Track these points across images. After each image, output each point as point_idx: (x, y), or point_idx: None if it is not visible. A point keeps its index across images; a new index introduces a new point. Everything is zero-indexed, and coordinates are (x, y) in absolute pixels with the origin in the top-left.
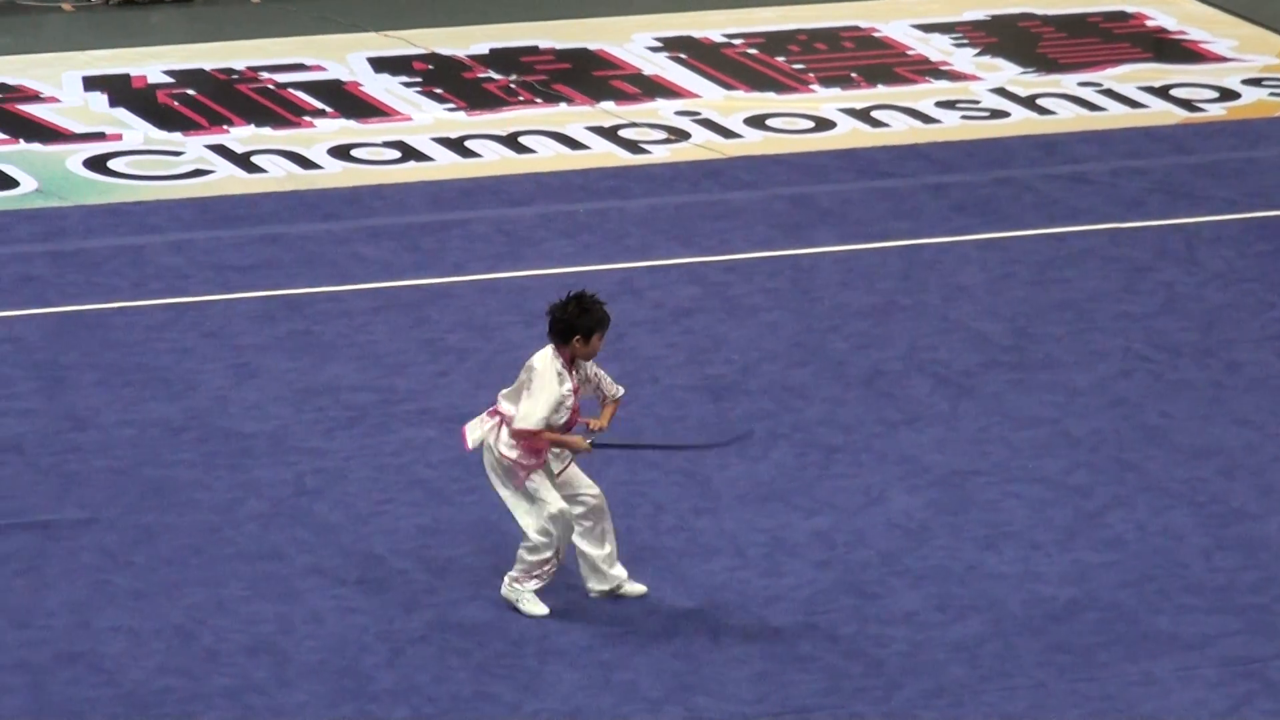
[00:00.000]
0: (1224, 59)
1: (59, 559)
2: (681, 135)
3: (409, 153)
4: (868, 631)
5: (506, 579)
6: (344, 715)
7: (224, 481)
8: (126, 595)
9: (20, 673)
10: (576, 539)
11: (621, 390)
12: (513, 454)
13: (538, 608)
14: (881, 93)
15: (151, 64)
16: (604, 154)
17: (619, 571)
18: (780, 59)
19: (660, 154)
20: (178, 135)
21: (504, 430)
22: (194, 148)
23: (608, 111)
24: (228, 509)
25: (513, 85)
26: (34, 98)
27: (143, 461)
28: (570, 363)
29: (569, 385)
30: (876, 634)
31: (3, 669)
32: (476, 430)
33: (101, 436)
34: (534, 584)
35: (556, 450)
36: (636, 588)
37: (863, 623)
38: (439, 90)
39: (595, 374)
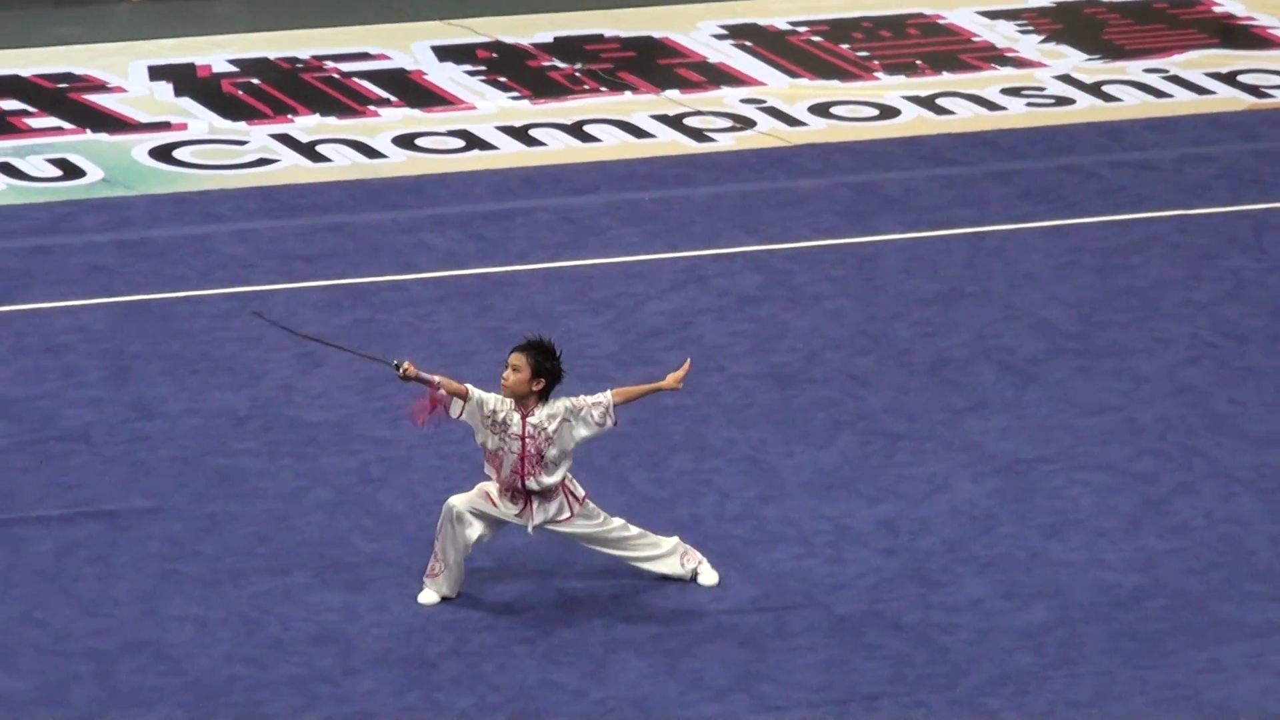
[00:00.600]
0: None
1: (126, 548)
2: (746, 123)
3: (473, 141)
4: (933, 619)
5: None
6: (410, 704)
7: (289, 470)
8: (193, 584)
9: (88, 661)
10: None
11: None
12: None
13: (425, 596)
14: (946, 80)
15: (216, 53)
16: (669, 142)
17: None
18: (845, 46)
19: (725, 142)
20: (242, 124)
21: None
22: (259, 137)
23: (673, 100)
24: (293, 498)
25: (577, 74)
26: (100, 87)
27: (209, 451)
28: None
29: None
30: (942, 622)
31: (71, 657)
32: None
33: (168, 426)
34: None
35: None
36: (709, 576)
37: (928, 610)
38: (503, 79)
39: (563, 411)
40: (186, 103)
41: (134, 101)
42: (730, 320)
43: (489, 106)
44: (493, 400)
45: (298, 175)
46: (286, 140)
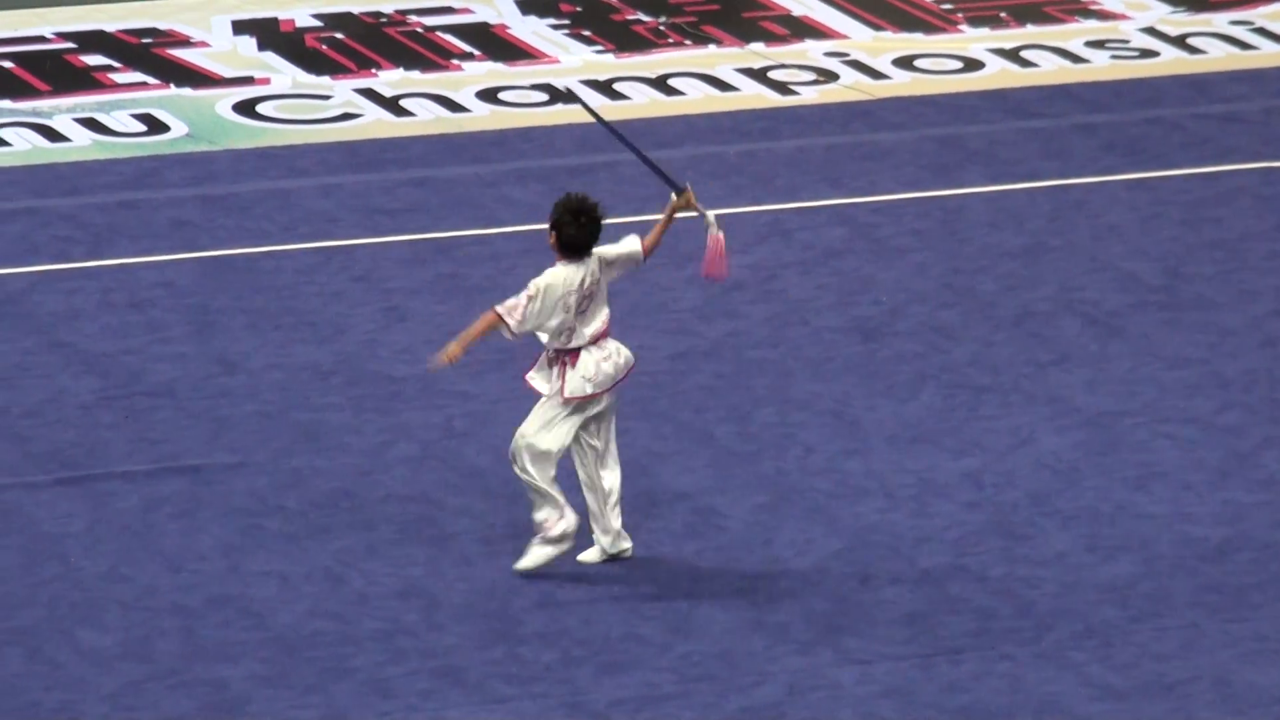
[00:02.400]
0: None
1: (211, 503)
2: (830, 76)
3: (557, 95)
4: (1017, 573)
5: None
6: (494, 658)
7: (373, 425)
8: (277, 539)
9: (173, 616)
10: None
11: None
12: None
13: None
14: (1030, 32)
15: (300, 7)
16: (753, 95)
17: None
18: None
19: (809, 95)
20: (326, 79)
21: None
22: (342, 91)
23: (757, 53)
24: (377, 453)
25: (662, 27)
26: (184, 42)
27: (292, 405)
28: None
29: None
30: (1026, 575)
31: (156, 612)
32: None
33: (251, 380)
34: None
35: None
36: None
37: (1012, 564)
38: (587, 32)
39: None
40: (270, 57)
41: (218, 56)
42: (814, 274)
43: (573, 60)
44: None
45: (381, 130)
46: (370, 95)
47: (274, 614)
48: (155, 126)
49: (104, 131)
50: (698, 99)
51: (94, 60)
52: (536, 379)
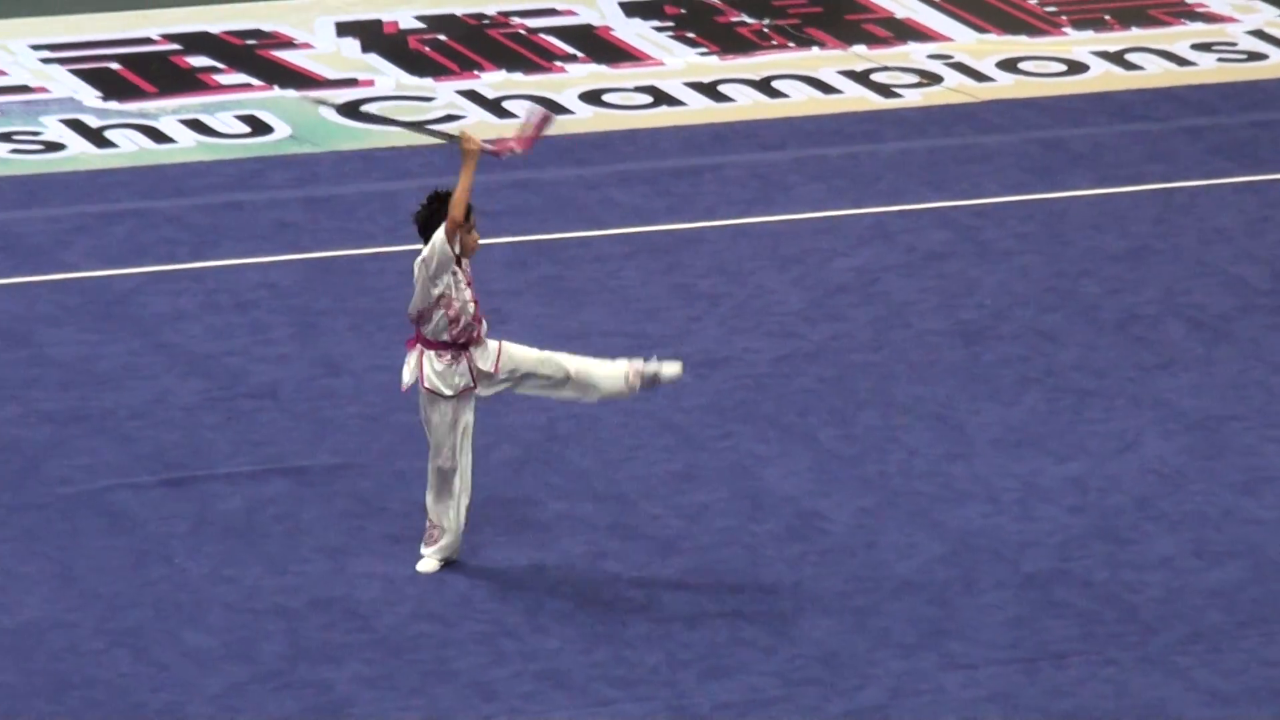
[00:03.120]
0: None
1: (314, 505)
2: (933, 79)
3: (660, 97)
4: (1122, 577)
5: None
6: (598, 660)
7: (477, 427)
8: (380, 541)
9: (276, 618)
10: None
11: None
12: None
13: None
14: (1135, 35)
15: (403, 9)
16: (856, 98)
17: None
18: (1032, 2)
19: (912, 98)
20: (429, 81)
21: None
22: (445, 93)
23: (860, 55)
24: (481, 454)
25: (765, 29)
26: (288, 44)
27: (395, 408)
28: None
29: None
30: (1131, 580)
31: (259, 614)
32: (407, 371)
33: (355, 382)
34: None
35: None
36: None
37: (1117, 568)
38: (691, 34)
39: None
40: (373, 59)
41: (321, 58)
42: (917, 276)
43: (676, 62)
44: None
45: (484, 131)
46: (473, 96)
47: (378, 616)
48: (259, 128)
49: (209, 133)
50: (801, 101)
51: (199, 62)
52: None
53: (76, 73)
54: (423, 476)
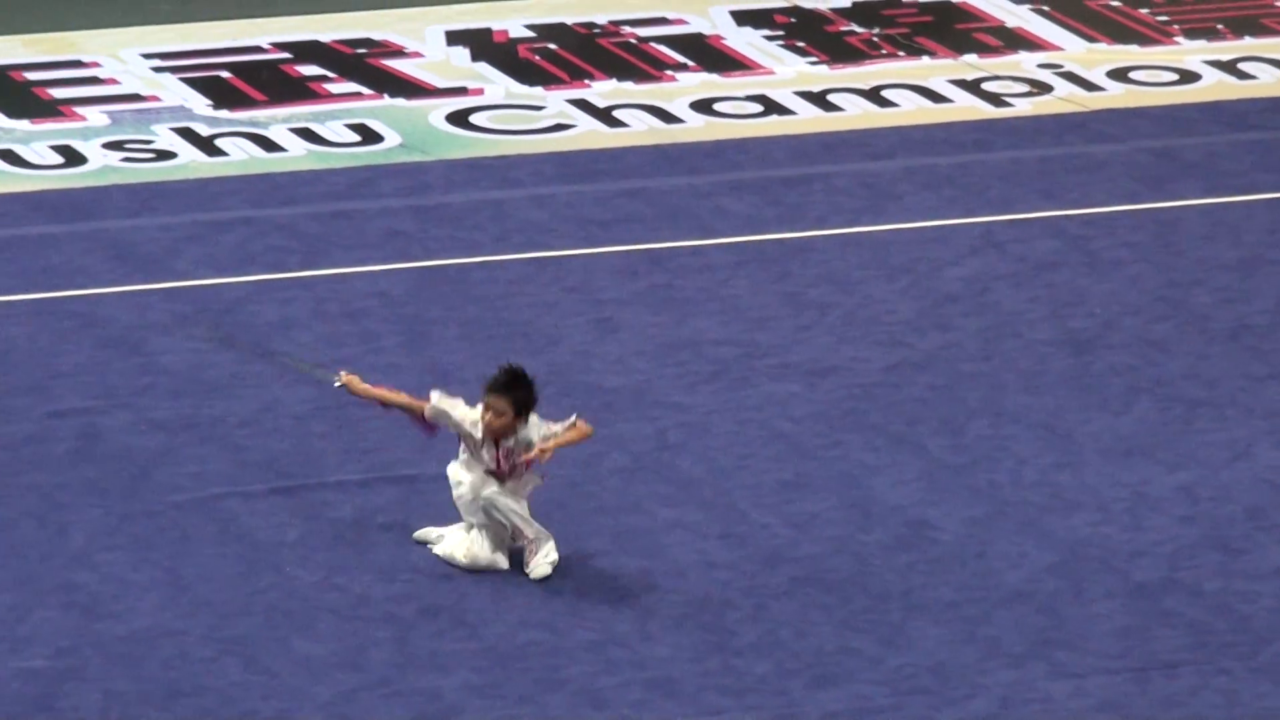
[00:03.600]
0: None
1: (423, 513)
2: (1044, 88)
3: (771, 106)
4: (1234, 587)
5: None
6: (707, 669)
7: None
8: None
9: (385, 626)
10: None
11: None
12: None
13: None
14: (1248, 44)
15: (513, 18)
16: (966, 107)
17: None
18: (1143, 11)
19: (1022, 107)
20: (539, 89)
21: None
22: (555, 102)
23: (970, 64)
24: (590, 463)
25: (875, 39)
26: (398, 52)
27: None
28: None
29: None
30: (1243, 590)
31: (369, 622)
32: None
33: (464, 391)
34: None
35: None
36: None
37: (1228, 578)
38: (801, 43)
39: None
40: (483, 68)
41: (431, 66)
42: (1027, 286)
43: (787, 71)
44: (459, 416)
45: (595, 140)
46: (583, 105)
47: (487, 624)
48: (369, 136)
49: (319, 141)
50: (911, 110)
51: (309, 70)
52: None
53: (187, 81)
54: None
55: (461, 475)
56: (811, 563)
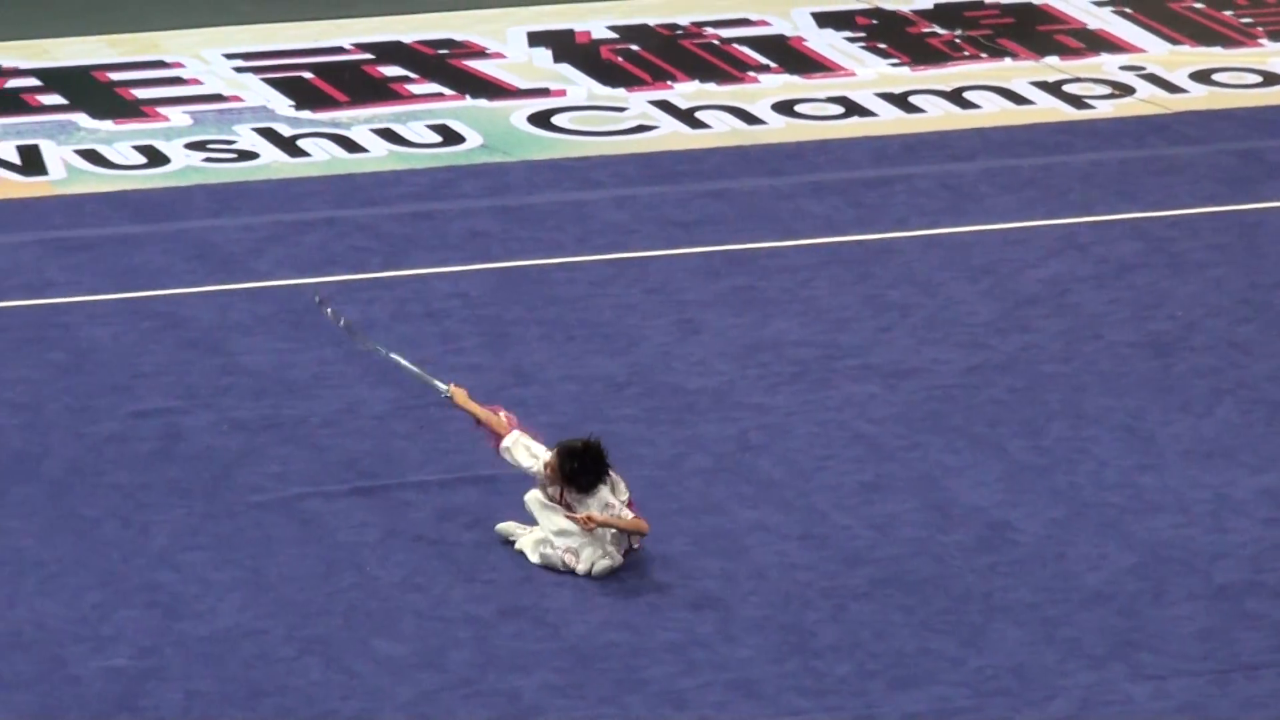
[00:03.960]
0: None
1: (504, 514)
2: (1126, 90)
3: (852, 108)
4: None
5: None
6: (788, 670)
7: (667, 437)
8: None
9: (466, 626)
10: None
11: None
12: None
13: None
14: None
15: (595, 19)
16: (1048, 109)
17: None
18: (1227, 13)
19: (1104, 109)
20: (621, 91)
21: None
22: (637, 103)
23: (1052, 66)
24: (671, 464)
25: (957, 40)
26: (480, 53)
27: (586, 417)
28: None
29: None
30: None
31: (449, 622)
32: None
33: (545, 392)
34: None
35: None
36: None
37: None
38: (883, 45)
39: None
40: (565, 69)
41: (513, 67)
42: (1109, 288)
43: (868, 73)
44: (526, 461)
45: (676, 142)
46: (665, 106)
47: (568, 625)
48: (451, 137)
49: (400, 142)
50: (993, 112)
51: (391, 71)
52: None
53: (269, 82)
54: None
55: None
56: (892, 564)
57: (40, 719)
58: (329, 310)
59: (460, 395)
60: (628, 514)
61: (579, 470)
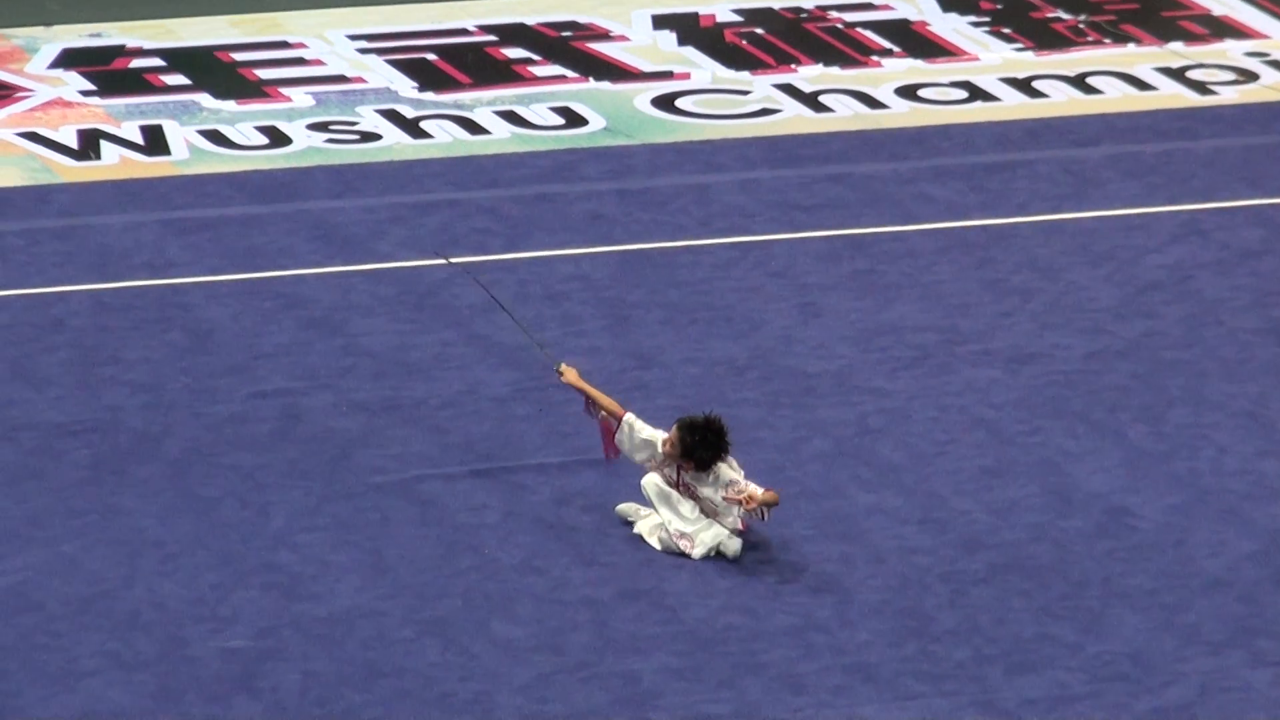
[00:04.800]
0: None
1: (623, 497)
2: (1250, 77)
3: (976, 93)
4: None
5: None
6: (906, 655)
7: (788, 421)
8: None
9: (585, 609)
10: None
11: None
12: None
13: None
14: None
15: (720, 2)
16: (1172, 95)
17: None
18: None
19: (1228, 95)
20: (745, 74)
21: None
22: (761, 87)
23: (1176, 52)
24: (791, 448)
25: (1081, 25)
26: (604, 36)
27: (707, 400)
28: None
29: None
30: None
31: (568, 605)
32: None
33: (666, 374)
34: None
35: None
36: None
37: None
38: (1007, 30)
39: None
40: (689, 52)
41: (637, 50)
42: (1231, 274)
43: (992, 58)
44: (647, 433)
45: (800, 125)
46: (789, 90)
47: (686, 608)
48: (573, 120)
49: (523, 124)
50: (1116, 98)
51: (514, 53)
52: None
53: (393, 63)
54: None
55: (650, 487)
56: (1011, 549)
57: (158, 699)
58: (451, 262)
59: (571, 374)
60: (757, 488)
61: (699, 444)
